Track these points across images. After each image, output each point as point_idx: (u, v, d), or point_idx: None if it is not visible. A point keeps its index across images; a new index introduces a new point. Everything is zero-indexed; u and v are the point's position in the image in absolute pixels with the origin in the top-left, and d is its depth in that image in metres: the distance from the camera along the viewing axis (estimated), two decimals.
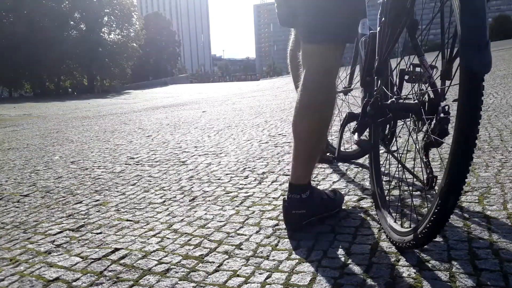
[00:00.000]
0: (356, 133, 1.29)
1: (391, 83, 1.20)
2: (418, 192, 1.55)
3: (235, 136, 3.32)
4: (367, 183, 1.73)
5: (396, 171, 1.73)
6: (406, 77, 1.13)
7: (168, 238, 1.37)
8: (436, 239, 1.10)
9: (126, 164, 2.62)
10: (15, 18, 27.81)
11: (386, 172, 1.77)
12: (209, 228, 1.42)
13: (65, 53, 29.52)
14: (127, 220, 1.57)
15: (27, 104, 15.18)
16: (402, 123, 1.27)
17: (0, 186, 2.30)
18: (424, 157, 1.05)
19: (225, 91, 14.41)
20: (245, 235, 1.33)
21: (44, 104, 14.21)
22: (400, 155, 1.38)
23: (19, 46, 26.33)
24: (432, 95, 1.00)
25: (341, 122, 1.35)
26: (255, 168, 2.19)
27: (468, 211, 1.34)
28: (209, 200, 1.72)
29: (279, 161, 2.29)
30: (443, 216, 0.88)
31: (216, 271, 1.12)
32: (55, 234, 1.48)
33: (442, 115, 0.97)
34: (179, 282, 1.08)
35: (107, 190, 2.04)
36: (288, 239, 1.27)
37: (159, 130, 4.16)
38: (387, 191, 1.41)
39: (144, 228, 1.47)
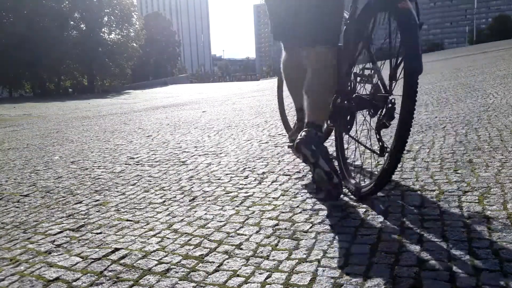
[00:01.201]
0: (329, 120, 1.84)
1: (354, 84, 1.65)
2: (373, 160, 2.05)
3: (235, 136, 3.32)
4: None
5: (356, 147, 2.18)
6: (358, 78, 1.60)
7: (168, 238, 1.37)
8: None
9: (126, 164, 2.62)
10: (15, 18, 27.80)
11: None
12: (209, 228, 1.42)
13: (65, 53, 29.51)
14: (127, 220, 1.57)
15: (27, 104, 15.18)
16: (361, 113, 1.66)
17: (0, 186, 2.30)
18: (377, 135, 1.47)
19: (225, 91, 14.41)
20: (245, 235, 1.33)
21: (44, 104, 14.21)
22: (357, 136, 1.79)
23: (19, 46, 26.33)
24: (383, 91, 1.44)
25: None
26: (255, 168, 2.19)
27: (468, 211, 1.34)
28: (209, 200, 1.73)
29: (279, 161, 2.29)
30: (393, 166, 1.35)
31: (216, 271, 1.12)
32: (55, 234, 1.49)
33: (390, 105, 1.41)
34: (179, 282, 1.08)
35: (107, 190, 2.04)
36: (288, 239, 1.27)
37: (159, 130, 4.16)
38: (349, 161, 1.96)
39: (144, 228, 1.47)
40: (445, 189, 1.56)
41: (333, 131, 1.89)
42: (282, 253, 1.19)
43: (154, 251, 1.27)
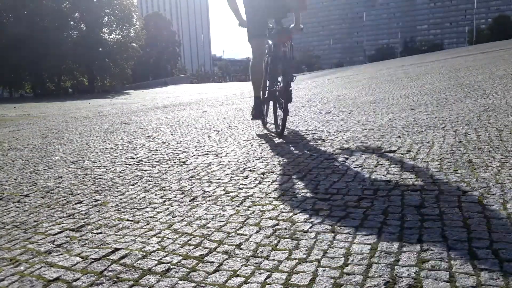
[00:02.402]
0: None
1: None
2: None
3: (235, 136, 3.32)
4: (367, 183, 1.74)
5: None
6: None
7: (168, 238, 1.37)
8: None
9: (126, 164, 2.62)
10: (15, 18, 27.81)
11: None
12: (209, 228, 1.42)
13: (65, 53, 29.50)
14: (127, 220, 1.57)
15: (28, 104, 15.19)
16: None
17: (0, 186, 2.30)
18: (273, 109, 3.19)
19: (225, 91, 14.42)
20: (245, 235, 1.33)
21: (44, 104, 14.21)
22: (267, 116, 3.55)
23: (19, 46, 26.33)
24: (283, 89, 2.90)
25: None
26: (255, 168, 2.19)
27: (468, 211, 1.34)
28: (209, 200, 1.73)
29: (279, 161, 2.30)
30: (286, 116, 2.89)
31: (216, 271, 1.12)
32: (55, 234, 1.49)
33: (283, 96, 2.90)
34: (179, 282, 1.08)
35: (107, 190, 2.04)
36: (288, 239, 1.28)
37: (159, 130, 4.16)
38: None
39: (144, 228, 1.47)
40: (445, 189, 1.56)
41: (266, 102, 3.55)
42: (282, 253, 1.19)
43: (154, 251, 1.27)
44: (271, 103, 3.40)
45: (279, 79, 3.05)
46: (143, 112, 7.11)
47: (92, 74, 34.38)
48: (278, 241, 1.27)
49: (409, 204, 1.46)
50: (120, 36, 34.74)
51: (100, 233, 1.46)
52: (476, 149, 2.09)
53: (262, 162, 2.31)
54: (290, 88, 2.87)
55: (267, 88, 3.29)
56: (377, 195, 1.58)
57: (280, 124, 2.94)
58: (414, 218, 1.33)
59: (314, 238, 1.26)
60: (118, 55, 33.85)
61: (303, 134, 3.07)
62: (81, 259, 1.25)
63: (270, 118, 3.61)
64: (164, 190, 1.95)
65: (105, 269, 1.18)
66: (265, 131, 3.34)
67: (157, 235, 1.40)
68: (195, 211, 1.61)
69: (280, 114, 2.99)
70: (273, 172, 2.08)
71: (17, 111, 11.13)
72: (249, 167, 2.22)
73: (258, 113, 3.32)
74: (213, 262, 1.17)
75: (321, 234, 1.29)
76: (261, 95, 3.29)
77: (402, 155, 2.13)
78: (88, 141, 3.88)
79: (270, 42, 3.15)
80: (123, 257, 1.24)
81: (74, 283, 1.11)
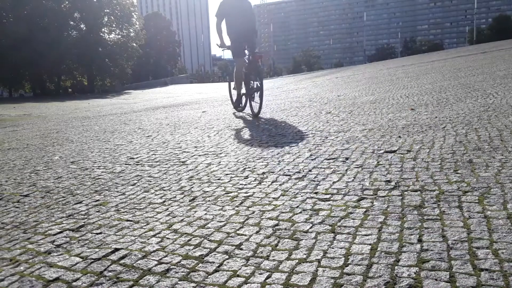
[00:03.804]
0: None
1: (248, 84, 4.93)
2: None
3: (235, 136, 3.32)
4: (367, 183, 1.74)
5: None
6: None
7: (168, 238, 1.37)
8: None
9: (126, 164, 2.62)
10: (15, 18, 27.78)
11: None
12: (209, 228, 1.42)
13: (65, 53, 29.47)
14: (127, 220, 1.57)
15: (27, 104, 15.18)
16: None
17: (0, 186, 2.30)
18: (249, 102, 4.83)
19: (225, 91, 14.39)
20: (245, 235, 1.33)
21: (44, 104, 14.21)
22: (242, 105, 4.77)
23: (19, 46, 26.31)
24: (259, 87, 4.54)
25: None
26: (255, 168, 2.19)
27: (468, 211, 1.34)
28: (209, 200, 1.72)
29: (279, 161, 2.29)
30: (262, 100, 4.51)
31: (216, 271, 1.12)
32: (55, 234, 1.48)
33: (253, 95, 4.72)
34: (179, 282, 1.08)
35: (107, 190, 2.04)
36: (288, 239, 1.27)
37: (159, 130, 4.15)
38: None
39: (144, 228, 1.47)
40: (445, 189, 1.56)
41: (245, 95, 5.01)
42: (282, 253, 1.19)
43: (154, 251, 1.27)
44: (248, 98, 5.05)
45: (253, 83, 4.69)
46: (142, 112, 7.11)
47: (91, 74, 34.36)
48: (278, 241, 1.27)
49: (409, 204, 1.46)
50: (120, 36, 34.72)
51: (100, 233, 1.46)
52: (477, 149, 2.09)
53: (262, 162, 2.31)
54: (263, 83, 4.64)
55: (244, 88, 4.92)
56: (377, 195, 1.58)
57: (256, 110, 4.50)
58: (414, 218, 1.33)
59: (314, 238, 1.26)
60: (118, 55, 33.83)
61: (303, 133, 3.07)
62: (81, 259, 1.25)
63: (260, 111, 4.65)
64: (164, 190, 1.95)
65: (105, 269, 1.17)
66: (241, 114, 4.91)
67: (157, 235, 1.40)
68: (195, 211, 1.60)
69: (254, 104, 4.63)
70: (273, 172, 2.08)
71: (17, 111, 11.13)
72: (249, 167, 2.22)
73: (238, 102, 5.06)
74: (213, 262, 1.17)
75: (321, 234, 1.29)
76: (241, 92, 4.95)
77: (402, 155, 2.13)
78: (88, 141, 3.88)
79: (246, 60, 4.77)
80: (123, 257, 1.24)
81: (74, 283, 1.11)
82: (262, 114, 4.73)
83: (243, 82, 4.81)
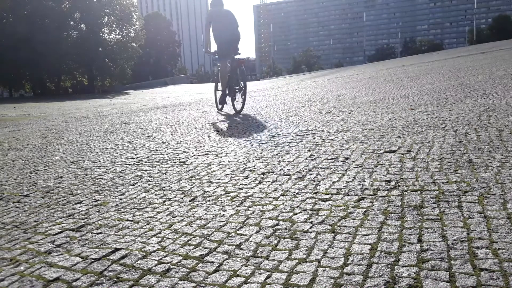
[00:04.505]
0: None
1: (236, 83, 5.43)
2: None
3: (235, 136, 3.32)
4: (367, 183, 1.74)
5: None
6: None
7: (168, 238, 1.37)
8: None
9: (126, 164, 2.62)
10: (15, 18, 27.79)
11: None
12: (209, 228, 1.42)
13: (65, 53, 29.48)
14: (127, 220, 1.57)
15: (27, 104, 15.18)
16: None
17: (0, 186, 2.30)
18: (232, 100, 5.48)
19: None
20: (245, 235, 1.33)
21: (44, 104, 14.21)
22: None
23: (19, 46, 26.31)
24: (243, 88, 5.18)
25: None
26: (255, 168, 2.19)
27: (468, 211, 1.34)
28: (209, 200, 1.73)
29: (279, 161, 2.30)
30: (245, 100, 5.20)
31: (216, 271, 1.12)
32: (55, 234, 1.49)
33: (242, 92, 5.19)
34: (179, 282, 1.08)
35: (107, 190, 2.04)
36: (288, 239, 1.28)
37: (159, 130, 4.16)
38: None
39: (144, 228, 1.47)
40: (445, 189, 1.56)
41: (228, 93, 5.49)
42: (282, 253, 1.19)
43: (154, 251, 1.27)
44: (231, 98, 5.57)
45: (239, 83, 5.19)
46: (143, 112, 7.11)
47: (92, 74, 34.36)
48: (278, 241, 1.27)
49: (409, 204, 1.46)
50: (120, 36, 34.71)
51: (100, 233, 1.46)
52: (476, 149, 2.09)
53: (262, 162, 2.31)
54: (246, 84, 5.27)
55: (227, 89, 5.39)
56: (377, 195, 1.58)
57: (239, 108, 5.19)
58: (414, 218, 1.33)
59: (314, 238, 1.26)
60: (118, 55, 33.83)
61: (302, 133, 3.07)
62: (81, 259, 1.25)
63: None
64: (164, 190, 1.95)
65: (105, 269, 1.18)
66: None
67: (157, 235, 1.40)
68: (195, 211, 1.61)
69: (236, 103, 5.32)
70: (273, 172, 2.08)
71: (17, 111, 11.13)
72: (249, 167, 2.22)
73: (222, 100, 5.53)
74: (213, 262, 1.17)
75: (321, 234, 1.29)
76: (226, 90, 5.38)
77: (402, 155, 2.13)
78: (88, 141, 3.88)
79: (228, 64, 5.32)
80: (123, 257, 1.24)
81: (74, 283, 1.11)
82: (262, 114, 4.74)
83: (227, 82, 5.35)
